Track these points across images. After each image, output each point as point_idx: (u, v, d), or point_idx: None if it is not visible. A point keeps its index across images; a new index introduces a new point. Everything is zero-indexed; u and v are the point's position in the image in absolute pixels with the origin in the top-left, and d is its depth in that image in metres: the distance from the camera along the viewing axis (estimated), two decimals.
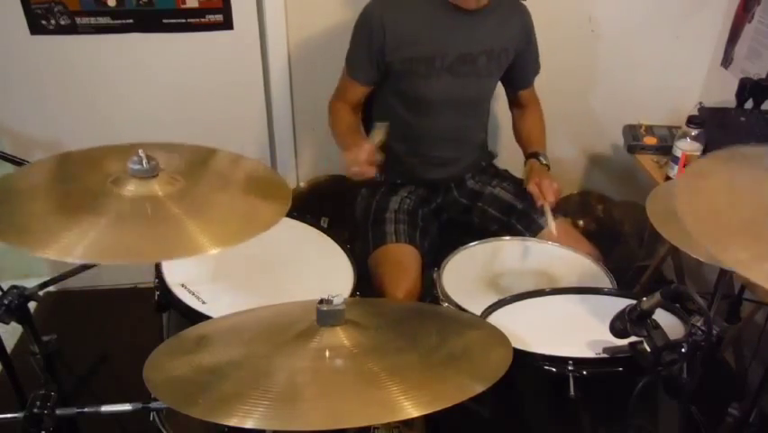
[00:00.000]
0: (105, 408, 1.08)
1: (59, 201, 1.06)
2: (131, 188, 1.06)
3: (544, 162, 1.75)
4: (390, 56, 1.64)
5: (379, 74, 1.70)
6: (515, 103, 1.92)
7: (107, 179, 1.08)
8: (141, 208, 1.03)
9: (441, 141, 1.75)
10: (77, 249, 0.93)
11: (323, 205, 2.32)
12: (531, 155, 1.79)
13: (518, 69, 1.79)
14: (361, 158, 1.52)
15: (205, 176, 1.18)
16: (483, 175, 1.88)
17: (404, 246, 1.67)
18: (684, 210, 0.93)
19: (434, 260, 1.55)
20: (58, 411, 1.07)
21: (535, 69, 1.85)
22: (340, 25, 2.09)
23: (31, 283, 1.12)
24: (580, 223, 2.44)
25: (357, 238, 1.76)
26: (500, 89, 1.90)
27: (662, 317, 1.07)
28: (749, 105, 1.88)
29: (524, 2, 1.75)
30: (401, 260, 1.64)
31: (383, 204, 1.77)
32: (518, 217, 1.75)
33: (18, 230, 0.97)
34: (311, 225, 1.55)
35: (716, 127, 1.78)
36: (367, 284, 1.56)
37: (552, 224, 1.58)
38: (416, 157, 1.78)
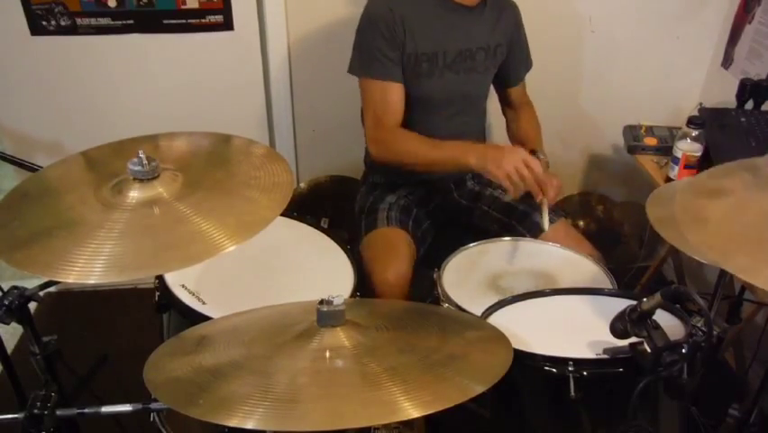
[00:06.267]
0: (106, 408, 1.08)
1: (62, 217, 1.02)
2: (134, 195, 1.03)
3: (543, 158, 1.74)
4: (405, 50, 1.60)
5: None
6: (507, 103, 1.91)
7: (108, 186, 1.05)
8: (149, 214, 1.00)
9: (440, 139, 1.75)
10: (95, 269, 0.90)
11: (323, 205, 2.32)
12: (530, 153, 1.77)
13: (509, 65, 1.79)
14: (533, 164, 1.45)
15: (203, 165, 1.15)
16: (483, 177, 1.87)
17: (395, 230, 1.66)
18: (686, 227, 0.93)
19: (434, 260, 1.54)
20: (58, 412, 1.07)
21: (526, 64, 1.84)
22: (340, 26, 2.10)
23: (31, 284, 1.12)
24: (581, 223, 2.44)
25: (355, 235, 1.76)
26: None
27: (663, 318, 1.07)
28: (749, 105, 1.88)
29: None
30: (392, 242, 1.62)
31: (380, 199, 1.77)
32: (519, 219, 1.75)
33: (31, 256, 0.93)
34: (311, 225, 1.54)
35: (716, 128, 1.78)
36: (367, 284, 1.56)
37: (546, 222, 1.58)
38: None
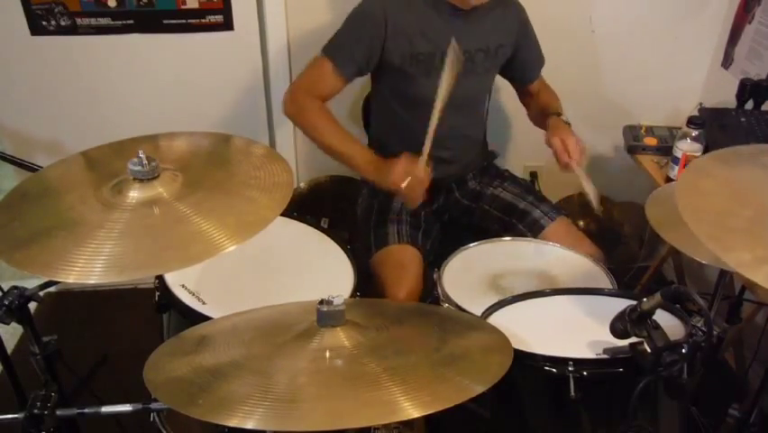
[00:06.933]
0: (106, 408, 1.09)
1: (62, 217, 1.02)
2: (134, 195, 1.03)
3: (566, 121, 1.72)
4: (390, 52, 1.62)
5: (368, 71, 1.67)
6: (526, 95, 1.91)
7: (108, 186, 1.05)
8: (149, 214, 1.00)
9: (440, 140, 1.74)
10: (95, 269, 0.90)
11: (323, 205, 2.32)
12: (552, 115, 1.74)
13: (522, 64, 1.79)
14: (420, 174, 1.49)
15: (203, 165, 1.15)
16: (484, 176, 1.87)
17: (406, 247, 1.66)
18: (686, 211, 0.93)
19: (434, 260, 1.55)
20: (58, 412, 1.07)
21: (540, 61, 1.84)
22: (340, 25, 2.10)
23: (31, 284, 1.12)
24: (581, 223, 2.44)
25: (358, 238, 1.76)
26: (499, 87, 1.90)
27: (663, 318, 1.07)
28: (749, 105, 1.88)
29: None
30: (403, 261, 1.63)
31: (385, 205, 1.77)
32: (520, 217, 1.75)
33: (31, 256, 0.93)
34: (311, 225, 1.54)
35: (716, 128, 1.78)
36: (367, 284, 1.56)
37: (592, 193, 1.58)
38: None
